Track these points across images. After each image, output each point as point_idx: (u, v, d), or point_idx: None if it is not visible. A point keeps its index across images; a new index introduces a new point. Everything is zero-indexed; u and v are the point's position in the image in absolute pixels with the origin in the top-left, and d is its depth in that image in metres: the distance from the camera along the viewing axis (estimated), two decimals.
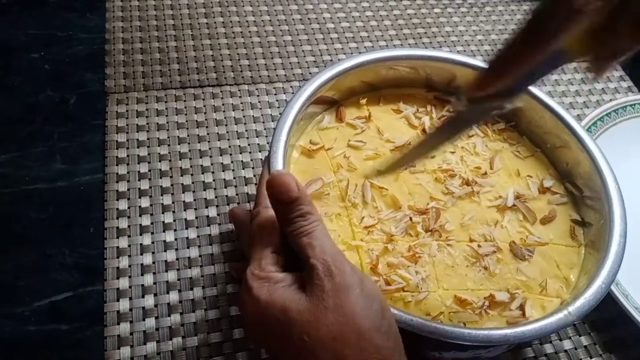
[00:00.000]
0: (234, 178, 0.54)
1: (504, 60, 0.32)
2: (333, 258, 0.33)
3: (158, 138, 0.55)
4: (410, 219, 0.44)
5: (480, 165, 0.49)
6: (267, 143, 0.57)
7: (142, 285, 0.46)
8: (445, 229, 0.44)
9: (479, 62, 0.51)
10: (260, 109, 0.59)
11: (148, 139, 0.55)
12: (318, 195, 0.46)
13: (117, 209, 0.50)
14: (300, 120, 0.47)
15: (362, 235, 0.44)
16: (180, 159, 0.54)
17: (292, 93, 0.61)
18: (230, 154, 0.55)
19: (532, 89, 0.50)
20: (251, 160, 0.55)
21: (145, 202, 0.51)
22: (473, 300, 0.41)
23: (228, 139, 0.56)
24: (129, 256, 0.48)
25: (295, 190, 0.34)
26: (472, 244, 0.44)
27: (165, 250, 0.48)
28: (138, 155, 0.54)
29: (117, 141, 0.54)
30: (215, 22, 0.66)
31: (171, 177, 0.53)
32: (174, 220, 0.50)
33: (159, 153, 0.54)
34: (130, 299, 0.46)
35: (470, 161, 0.49)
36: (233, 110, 0.59)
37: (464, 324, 0.40)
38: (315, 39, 0.67)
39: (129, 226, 0.49)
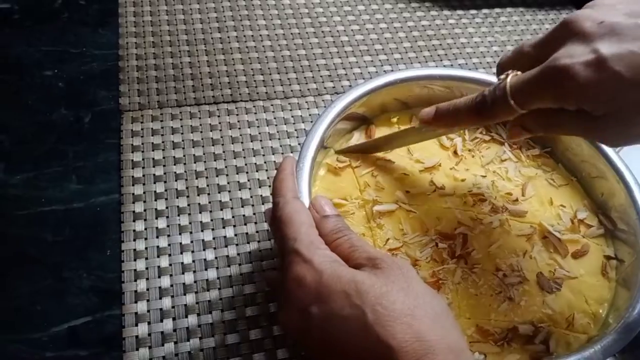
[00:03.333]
0: (251, 197, 0.53)
1: (447, 116, 0.42)
2: (390, 255, 0.35)
3: (174, 157, 0.55)
4: (437, 244, 0.43)
5: (512, 191, 0.48)
6: None
7: (161, 309, 0.46)
8: (471, 256, 0.43)
9: None
10: (276, 125, 0.59)
11: (164, 157, 0.54)
12: (342, 214, 0.45)
13: (134, 230, 0.49)
14: (329, 137, 0.46)
15: None
16: (196, 178, 0.53)
17: (307, 108, 0.60)
18: (247, 172, 0.55)
19: None
20: (267, 178, 0.54)
21: (162, 223, 0.50)
22: (495, 331, 0.40)
23: (244, 157, 0.56)
24: (147, 279, 0.47)
25: (325, 211, 0.37)
26: (498, 273, 0.43)
27: (183, 273, 0.48)
28: (154, 174, 0.53)
29: (132, 160, 0.54)
30: (228, 37, 0.65)
31: (188, 196, 0.52)
32: (191, 242, 0.50)
33: (175, 172, 0.54)
34: (149, 323, 0.45)
35: (502, 186, 0.48)
36: (248, 127, 0.58)
37: (484, 355, 0.39)
38: (330, 52, 0.66)
39: (146, 248, 0.49)
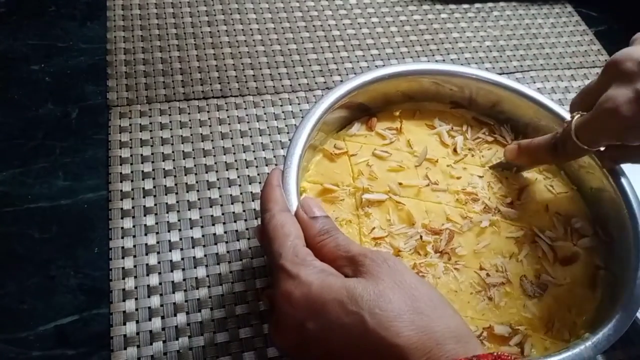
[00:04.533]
0: (241, 194, 0.52)
1: (528, 152, 0.46)
2: (374, 250, 0.34)
3: (162, 153, 0.54)
4: (421, 237, 0.43)
5: (508, 194, 0.47)
6: (274, 157, 0.55)
7: (149, 307, 0.45)
8: (456, 252, 0.43)
9: (530, 91, 0.50)
10: (266, 120, 0.58)
11: (152, 153, 0.54)
12: (332, 199, 0.45)
13: (122, 227, 0.49)
14: (323, 124, 0.46)
15: (368, 245, 0.43)
16: (185, 175, 0.53)
17: (298, 104, 0.60)
18: (237, 169, 0.54)
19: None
20: (258, 174, 0.54)
21: (150, 221, 0.50)
22: (470, 328, 0.40)
23: (234, 153, 0.55)
24: (135, 277, 0.47)
25: (313, 212, 0.37)
26: (481, 272, 0.43)
27: (172, 271, 0.47)
28: (142, 171, 0.52)
29: (120, 157, 0.53)
30: (218, 31, 0.65)
31: (176, 193, 0.52)
32: (180, 239, 0.49)
33: (164, 169, 0.53)
34: (137, 322, 0.45)
35: (498, 188, 0.48)
36: (238, 123, 0.57)
37: None
38: (321, 47, 0.66)
39: (134, 246, 0.48)
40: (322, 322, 0.31)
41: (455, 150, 0.50)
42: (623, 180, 0.45)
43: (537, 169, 0.50)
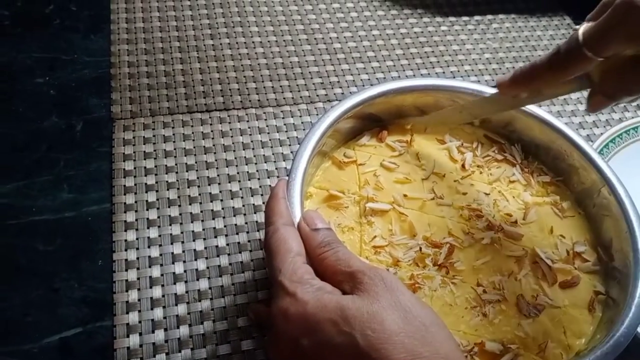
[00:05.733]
0: (243, 206, 0.53)
1: (526, 76, 0.41)
2: (373, 267, 0.34)
3: (166, 165, 0.54)
4: (421, 249, 0.44)
5: (513, 213, 0.48)
6: (276, 169, 0.56)
7: (152, 320, 0.46)
8: (454, 267, 0.43)
9: (543, 113, 0.50)
10: (268, 133, 0.59)
11: (155, 166, 0.54)
12: (336, 206, 0.46)
13: (126, 240, 0.49)
14: (335, 131, 0.47)
15: (368, 253, 0.44)
16: (188, 187, 0.53)
17: (300, 116, 0.61)
18: (239, 181, 0.55)
19: (589, 150, 0.48)
20: (260, 187, 0.54)
21: (153, 233, 0.50)
22: (462, 342, 0.40)
23: (236, 165, 0.56)
24: (138, 289, 0.47)
25: (315, 225, 0.37)
26: (478, 288, 0.43)
27: (174, 283, 0.48)
28: (146, 183, 0.53)
29: (124, 169, 0.53)
30: (221, 44, 0.65)
31: (179, 206, 0.52)
32: (183, 251, 0.49)
33: (167, 181, 0.53)
34: (140, 334, 0.45)
35: (503, 207, 0.48)
36: (241, 135, 0.58)
37: None
38: (322, 59, 0.66)
39: (137, 258, 0.49)
40: (316, 340, 0.31)
41: (463, 166, 0.50)
42: (629, 207, 0.45)
43: (545, 190, 0.50)
